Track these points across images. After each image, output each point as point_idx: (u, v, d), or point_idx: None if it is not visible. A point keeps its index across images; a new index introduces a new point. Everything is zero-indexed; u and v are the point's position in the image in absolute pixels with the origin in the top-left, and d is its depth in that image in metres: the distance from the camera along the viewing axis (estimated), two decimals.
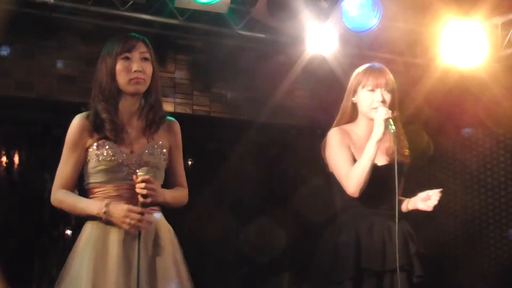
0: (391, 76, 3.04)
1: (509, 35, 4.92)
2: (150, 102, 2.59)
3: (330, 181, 3.07)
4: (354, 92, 3.05)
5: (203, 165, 5.12)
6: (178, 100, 4.91)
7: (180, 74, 4.94)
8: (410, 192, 3.17)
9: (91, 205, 2.48)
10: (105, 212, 2.43)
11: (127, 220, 2.40)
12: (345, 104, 3.10)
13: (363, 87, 3.01)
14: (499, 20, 4.95)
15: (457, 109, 5.44)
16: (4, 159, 4.53)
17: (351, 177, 2.89)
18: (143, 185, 2.42)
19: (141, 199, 2.43)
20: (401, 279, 2.85)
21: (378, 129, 2.88)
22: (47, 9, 4.12)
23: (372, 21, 4.56)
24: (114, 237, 2.45)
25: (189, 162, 5.14)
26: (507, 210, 5.49)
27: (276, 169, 5.30)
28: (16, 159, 4.56)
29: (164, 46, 4.83)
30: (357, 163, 2.90)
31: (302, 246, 5.13)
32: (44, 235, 4.64)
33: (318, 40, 4.47)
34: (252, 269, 5.07)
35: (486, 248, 5.50)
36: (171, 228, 2.62)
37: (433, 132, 5.34)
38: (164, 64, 4.85)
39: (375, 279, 2.88)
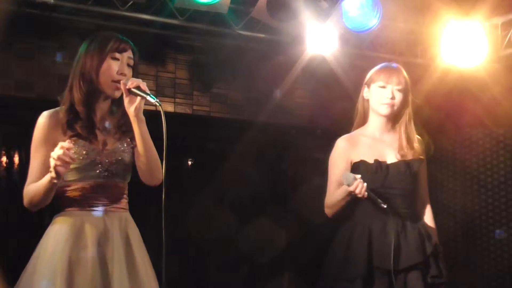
0: (406, 76, 3.08)
1: (509, 35, 4.92)
2: (124, 108, 2.50)
3: None
4: (367, 87, 3.10)
5: (203, 165, 5.12)
6: (178, 100, 4.91)
7: (180, 74, 4.93)
8: None
9: (45, 177, 2.38)
10: (50, 171, 2.32)
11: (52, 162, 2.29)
12: (359, 103, 3.16)
13: (374, 82, 3.06)
14: (499, 20, 4.95)
15: (457, 109, 5.44)
16: (4, 159, 4.53)
17: (329, 202, 3.03)
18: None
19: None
20: (415, 278, 2.88)
21: None
22: (47, 9, 4.11)
23: (372, 21, 4.56)
24: (89, 236, 2.43)
25: (189, 162, 5.14)
26: (507, 210, 5.48)
27: (276, 169, 5.30)
28: (16, 159, 4.55)
29: (164, 46, 4.83)
30: (335, 194, 2.98)
31: (302, 246, 5.13)
32: None
33: (318, 40, 4.47)
34: (252, 269, 5.06)
35: (486, 248, 5.50)
36: (137, 228, 2.59)
37: (433, 132, 5.33)
38: (164, 64, 4.84)
39: (387, 278, 2.89)
